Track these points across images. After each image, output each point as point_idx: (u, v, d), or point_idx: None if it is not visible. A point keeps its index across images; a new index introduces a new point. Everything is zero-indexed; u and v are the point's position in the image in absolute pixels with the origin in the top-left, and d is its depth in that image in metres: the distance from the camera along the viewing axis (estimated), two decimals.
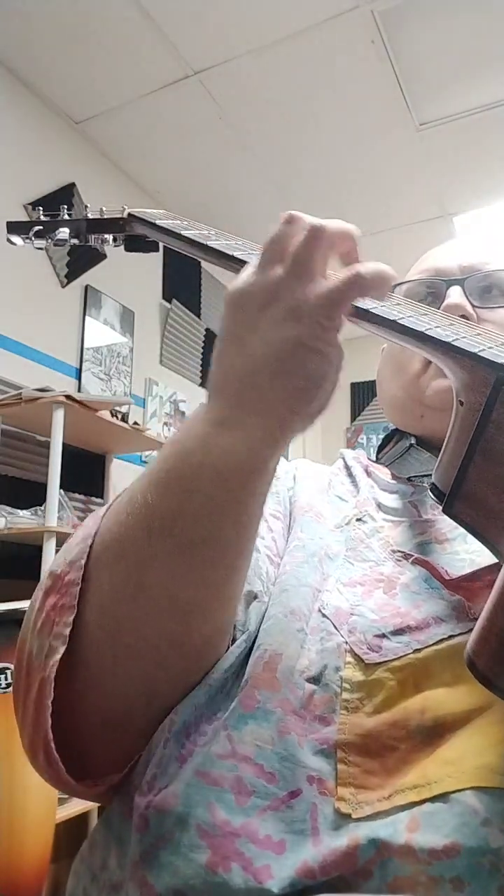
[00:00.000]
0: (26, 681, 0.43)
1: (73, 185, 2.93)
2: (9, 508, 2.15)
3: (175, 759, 0.40)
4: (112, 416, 2.47)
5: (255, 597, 0.50)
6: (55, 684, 0.41)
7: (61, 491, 2.15)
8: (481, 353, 0.41)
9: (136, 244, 0.70)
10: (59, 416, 2.13)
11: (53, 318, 2.78)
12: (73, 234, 0.69)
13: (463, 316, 0.60)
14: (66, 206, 0.72)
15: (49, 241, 0.69)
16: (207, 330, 3.91)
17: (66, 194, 2.89)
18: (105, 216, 0.70)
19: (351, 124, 2.89)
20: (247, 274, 0.45)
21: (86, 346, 2.91)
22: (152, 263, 3.47)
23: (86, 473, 2.73)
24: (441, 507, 0.43)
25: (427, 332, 0.44)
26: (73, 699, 0.42)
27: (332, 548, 0.53)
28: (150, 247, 0.68)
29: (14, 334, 2.54)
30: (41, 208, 0.73)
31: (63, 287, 2.84)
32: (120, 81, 2.70)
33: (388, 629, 0.44)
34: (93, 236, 0.70)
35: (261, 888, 0.33)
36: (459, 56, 2.53)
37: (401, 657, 0.42)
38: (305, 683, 0.42)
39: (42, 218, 0.70)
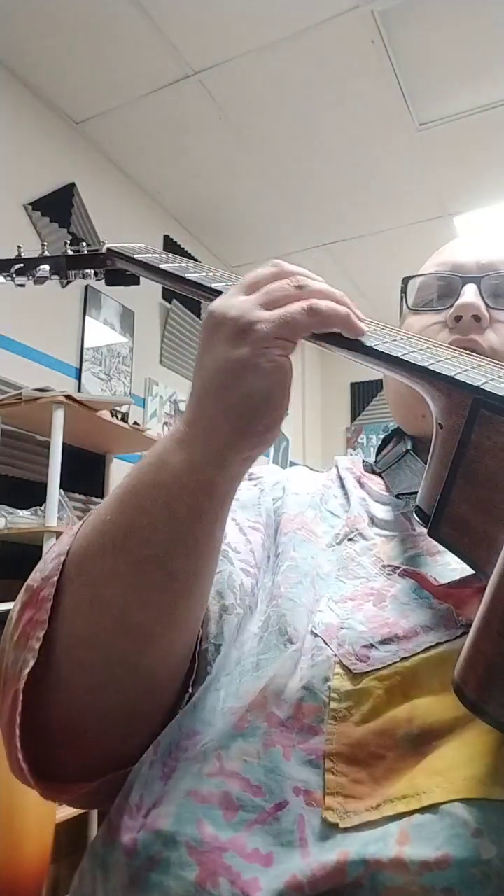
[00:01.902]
0: (2, 691, 0.45)
1: (73, 185, 2.92)
2: (9, 508, 2.15)
3: (158, 779, 0.41)
4: (112, 416, 2.47)
5: (226, 610, 0.50)
6: (31, 696, 0.42)
7: (61, 491, 2.15)
8: (457, 377, 0.41)
9: (117, 278, 0.70)
10: (59, 416, 2.13)
11: (53, 318, 2.78)
12: (53, 270, 0.70)
13: (475, 316, 0.60)
14: (44, 244, 0.73)
15: (30, 278, 0.69)
16: None
17: (66, 194, 2.89)
18: (84, 251, 0.70)
19: (351, 124, 2.89)
20: (219, 298, 0.46)
21: (86, 346, 2.91)
22: None
23: (86, 473, 2.73)
24: (427, 531, 0.43)
25: (403, 357, 0.44)
26: (41, 709, 0.43)
27: (324, 567, 0.53)
28: (131, 280, 0.69)
29: (14, 334, 2.54)
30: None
31: (63, 287, 2.83)
32: (120, 81, 2.70)
33: (375, 639, 0.44)
34: (73, 272, 0.70)
35: None
36: (459, 56, 2.53)
37: (388, 665, 0.42)
38: (294, 695, 0.42)
39: (23, 256, 0.71)
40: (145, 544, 0.42)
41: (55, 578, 0.44)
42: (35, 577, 0.46)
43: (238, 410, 0.41)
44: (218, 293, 0.52)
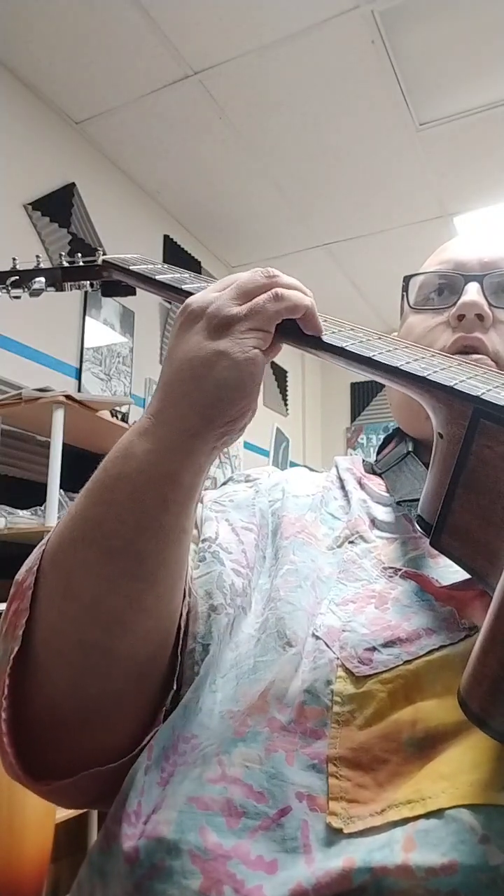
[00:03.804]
0: None
1: (73, 185, 2.92)
2: (9, 508, 2.15)
3: (156, 784, 0.41)
4: (112, 416, 2.46)
5: (215, 609, 0.50)
6: (19, 687, 0.43)
7: (61, 491, 2.14)
8: (457, 387, 0.41)
9: (113, 289, 0.70)
10: (59, 416, 2.13)
11: (53, 318, 2.77)
12: (49, 282, 0.70)
13: (478, 315, 0.60)
14: (38, 256, 0.73)
15: (26, 291, 0.69)
16: None
17: (66, 194, 2.89)
18: (80, 263, 0.70)
19: (351, 124, 2.89)
20: (196, 294, 0.47)
21: (86, 346, 2.91)
22: None
23: (86, 473, 2.71)
24: (429, 541, 0.43)
25: (403, 368, 0.44)
26: (26, 699, 0.44)
27: (324, 570, 0.53)
28: (127, 290, 0.69)
29: (14, 334, 2.54)
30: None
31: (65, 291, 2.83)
32: (120, 81, 2.70)
33: (378, 642, 0.44)
34: (69, 284, 0.70)
35: None
36: (459, 56, 2.53)
37: (391, 669, 0.42)
38: (296, 699, 0.42)
39: (18, 268, 0.71)
40: (114, 535, 0.43)
41: (35, 567, 0.46)
42: (21, 571, 0.48)
43: (208, 399, 0.42)
44: None
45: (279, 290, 0.45)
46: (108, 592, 0.43)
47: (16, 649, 0.43)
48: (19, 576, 0.48)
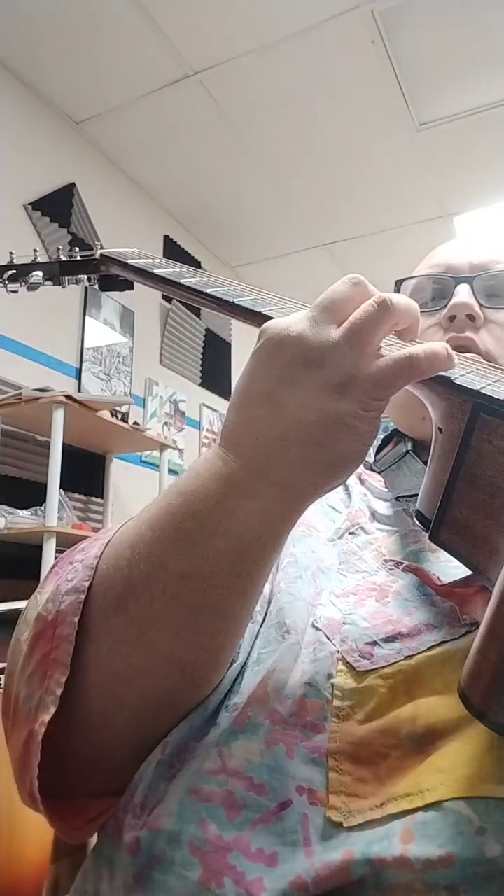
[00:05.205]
0: (13, 721, 0.43)
1: (73, 185, 2.93)
2: (9, 508, 2.15)
3: (164, 779, 0.40)
4: (112, 416, 2.47)
5: (251, 617, 0.50)
6: (50, 735, 0.40)
7: (61, 491, 2.15)
8: (456, 381, 0.41)
9: (111, 283, 0.69)
10: (59, 416, 2.13)
11: (53, 318, 2.78)
12: (46, 276, 0.69)
13: (469, 315, 0.60)
14: (36, 250, 0.72)
15: (23, 285, 0.68)
16: (207, 330, 3.91)
17: (66, 194, 2.89)
18: (78, 257, 0.69)
19: (351, 124, 2.89)
20: (297, 320, 0.41)
21: (86, 346, 2.91)
22: None
23: (86, 473, 2.73)
24: (428, 535, 0.42)
25: None
26: (62, 744, 0.41)
27: (325, 561, 0.53)
28: (125, 285, 0.68)
29: (14, 334, 2.54)
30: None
31: (63, 287, 2.83)
32: (120, 81, 2.70)
33: (379, 636, 0.44)
34: (67, 278, 0.69)
35: None
36: (459, 56, 2.53)
37: (392, 664, 0.42)
38: (296, 691, 0.42)
39: (15, 262, 0.70)
40: (203, 592, 0.39)
41: (76, 619, 0.41)
42: (48, 607, 0.43)
43: (326, 467, 0.39)
44: (214, 298, 0.51)
45: (415, 355, 0.39)
46: (186, 646, 0.40)
47: (52, 710, 0.39)
48: (47, 613, 0.42)
